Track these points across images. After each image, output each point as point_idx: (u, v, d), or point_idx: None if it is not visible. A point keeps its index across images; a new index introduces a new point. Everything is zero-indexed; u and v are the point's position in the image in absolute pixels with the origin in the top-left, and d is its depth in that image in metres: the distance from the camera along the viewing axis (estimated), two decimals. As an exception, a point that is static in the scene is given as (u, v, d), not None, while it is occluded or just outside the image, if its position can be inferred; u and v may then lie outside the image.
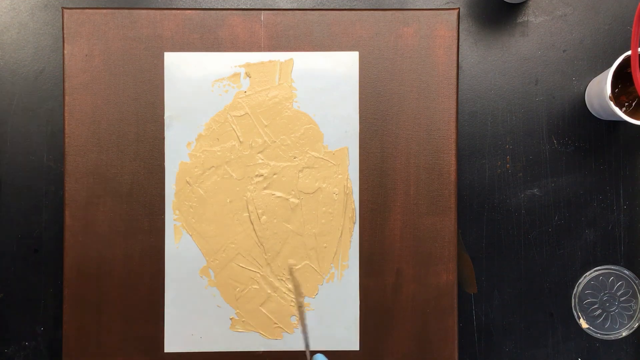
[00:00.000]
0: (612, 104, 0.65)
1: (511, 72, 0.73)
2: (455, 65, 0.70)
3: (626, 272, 0.73)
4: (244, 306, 0.70)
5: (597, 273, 0.73)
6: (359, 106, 0.70)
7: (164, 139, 0.70)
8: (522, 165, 0.73)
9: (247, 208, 0.70)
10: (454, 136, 0.70)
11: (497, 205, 0.73)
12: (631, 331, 0.73)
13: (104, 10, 0.70)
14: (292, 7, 0.73)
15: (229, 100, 0.70)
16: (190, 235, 0.70)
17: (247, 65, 0.70)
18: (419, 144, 0.70)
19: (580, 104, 0.73)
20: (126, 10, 0.70)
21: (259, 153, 0.69)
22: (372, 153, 0.70)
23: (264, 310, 0.70)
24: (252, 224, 0.70)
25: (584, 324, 0.73)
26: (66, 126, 0.69)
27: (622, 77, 0.66)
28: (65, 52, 0.69)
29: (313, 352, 0.67)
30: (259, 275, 0.70)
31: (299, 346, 0.70)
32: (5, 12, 0.73)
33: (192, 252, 0.70)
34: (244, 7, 0.73)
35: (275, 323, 0.70)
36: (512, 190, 0.73)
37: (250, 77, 0.70)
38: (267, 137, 0.69)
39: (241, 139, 0.69)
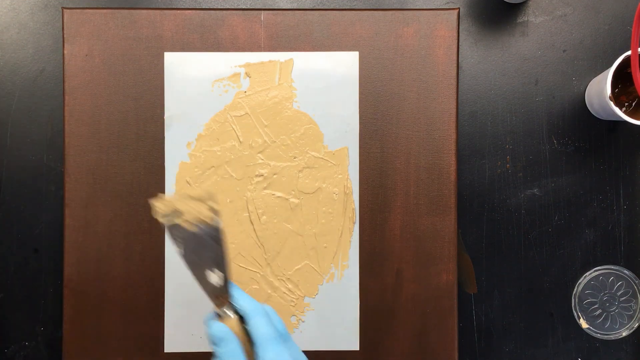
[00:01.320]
0: (612, 104, 0.65)
1: (511, 72, 0.73)
2: (455, 65, 0.70)
3: (626, 272, 0.73)
4: (244, 306, 0.70)
5: (597, 273, 0.73)
6: (359, 106, 0.70)
7: (164, 139, 0.70)
8: (522, 165, 0.73)
9: (247, 208, 0.70)
10: (454, 136, 0.70)
11: (497, 205, 0.73)
12: (631, 331, 0.73)
13: (104, 10, 0.70)
14: (292, 7, 0.73)
15: (229, 100, 0.70)
16: (190, 235, 0.70)
17: (247, 65, 0.70)
18: (419, 144, 0.70)
19: (580, 104, 0.73)
20: (126, 10, 0.70)
21: (259, 153, 0.69)
22: (372, 153, 0.70)
23: (264, 310, 0.70)
24: (252, 224, 0.70)
25: (584, 324, 0.73)
26: (66, 126, 0.69)
27: (622, 77, 0.66)
28: (65, 52, 0.69)
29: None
30: (259, 275, 0.70)
31: (299, 346, 0.70)
32: (5, 12, 0.73)
33: (192, 252, 0.70)
34: (244, 7, 0.73)
35: (275, 323, 0.70)
36: (512, 190, 0.73)
37: (250, 77, 0.70)
38: (267, 137, 0.69)
39: (241, 139, 0.69)
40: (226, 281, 0.55)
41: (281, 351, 0.53)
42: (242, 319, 0.55)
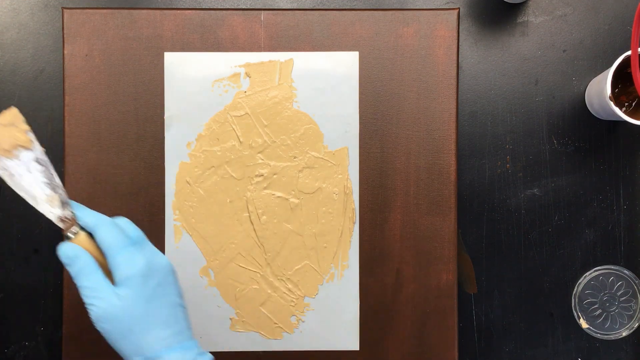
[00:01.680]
0: (612, 104, 0.65)
1: (511, 72, 0.73)
2: (455, 65, 0.70)
3: (626, 272, 0.73)
4: (244, 306, 0.70)
5: (597, 273, 0.73)
6: (359, 106, 0.70)
7: (164, 139, 0.70)
8: (522, 165, 0.73)
9: (247, 208, 0.70)
10: (454, 136, 0.70)
11: (497, 205, 0.73)
12: (631, 331, 0.73)
13: (104, 10, 0.70)
14: (292, 7, 0.73)
15: (229, 100, 0.70)
16: (190, 235, 0.70)
17: (247, 65, 0.70)
18: (419, 144, 0.70)
19: (580, 104, 0.73)
20: (126, 10, 0.70)
21: (259, 153, 0.69)
22: (372, 153, 0.70)
23: (263, 310, 0.70)
24: (252, 224, 0.70)
25: (584, 324, 0.73)
26: (66, 126, 0.69)
27: (622, 77, 0.66)
28: (65, 52, 0.69)
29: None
30: (259, 275, 0.70)
31: (299, 346, 0.70)
32: (5, 12, 0.73)
33: (192, 252, 0.70)
34: (244, 7, 0.73)
35: (275, 323, 0.70)
36: (512, 190, 0.73)
37: (250, 77, 0.70)
38: (267, 137, 0.69)
39: (241, 139, 0.69)
40: (65, 202, 0.54)
41: (131, 255, 0.52)
42: (92, 235, 0.54)
